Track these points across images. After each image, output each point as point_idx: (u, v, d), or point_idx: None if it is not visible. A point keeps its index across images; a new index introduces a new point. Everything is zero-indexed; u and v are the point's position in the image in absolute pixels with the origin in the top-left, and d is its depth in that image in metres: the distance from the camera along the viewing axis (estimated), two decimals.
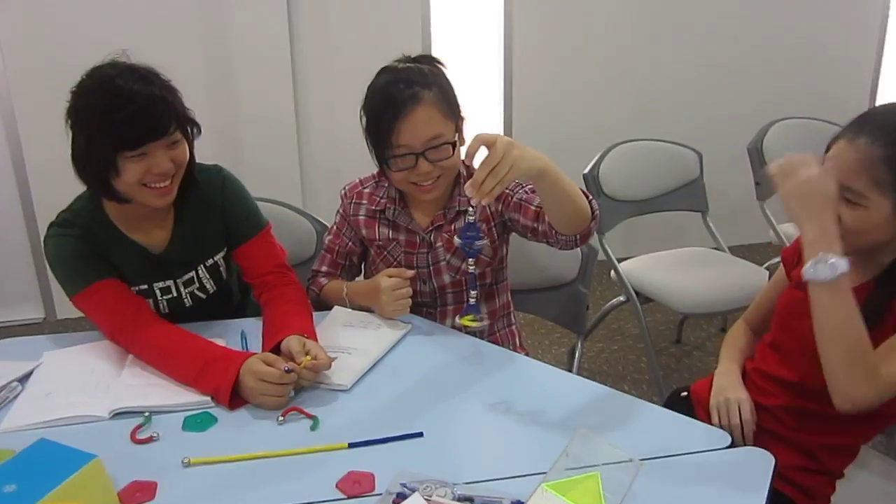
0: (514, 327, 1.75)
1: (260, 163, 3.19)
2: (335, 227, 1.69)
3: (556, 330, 3.10)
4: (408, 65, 1.46)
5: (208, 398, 1.32)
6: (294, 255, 1.87)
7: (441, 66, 1.49)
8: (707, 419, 1.36)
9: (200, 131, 1.44)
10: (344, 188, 1.67)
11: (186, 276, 1.58)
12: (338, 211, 1.68)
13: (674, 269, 2.53)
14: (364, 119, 1.48)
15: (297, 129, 3.22)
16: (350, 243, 1.67)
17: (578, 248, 1.83)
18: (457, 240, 1.28)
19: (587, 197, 1.39)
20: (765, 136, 2.77)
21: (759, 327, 1.51)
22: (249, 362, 1.32)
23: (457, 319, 1.36)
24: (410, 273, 1.56)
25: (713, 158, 2.86)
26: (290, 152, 3.24)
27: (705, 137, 3.19)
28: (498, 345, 1.59)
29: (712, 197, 2.70)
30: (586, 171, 2.49)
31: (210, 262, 1.61)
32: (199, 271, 1.60)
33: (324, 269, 1.70)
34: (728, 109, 3.59)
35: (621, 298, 2.55)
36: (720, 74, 3.56)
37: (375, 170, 1.60)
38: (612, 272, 2.55)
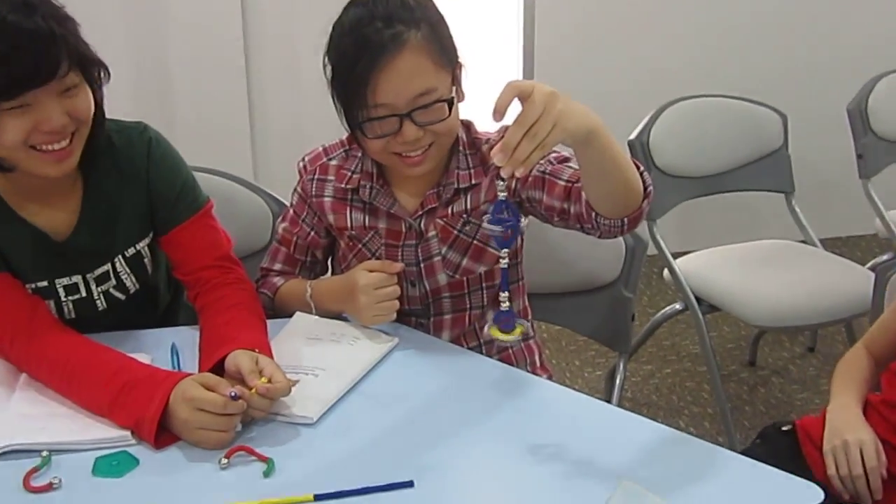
0: (533, 342, 1.78)
1: (198, 121, 3.18)
2: (292, 212, 1.71)
3: (591, 347, 3.11)
4: None
5: (127, 433, 1.32)
6: (242, 244, 1.87)
7: None
8: (820, 462, 1.37)
9: (110, 76, 1.45)
10: (303, 160, 1.69)
11: (99, 271, 1.59)
12: (295, 190, 1.70)
13: (747, 268, 2.55)
14: (329, 69, 1.50)
15: (246, 75, 3.20)
16: (312, 233, 1.70)
17: (622, 239, 1.87)
18: (488, 225, 1.31)
19: (638, 168, 1.41)
20: (870, 94, 2.79)
21: (885, 354, 1.52)
22: (183, 386, 1.33)
23: (486, 331, 1.38)
24: (398, 266, 1.58)
25: (801, 122, 2.88)
26: (238, 107, 3.22)
27: (791, 94, 3.20)
28: (512, 365, 1.61)
29: (800, 173, 2.73)
30: (633, 136, 2.50)
31: (131, 251, 1.62)
32: (116, 264, 1.61)
33: (277, 266, 1.73)
34: (822, 57, 3.59)
35: (677, 307, 2.57)
36: (812, 9, 3.56)
37: (346, 134, 1.63)
38: (666, 271, 2.57)
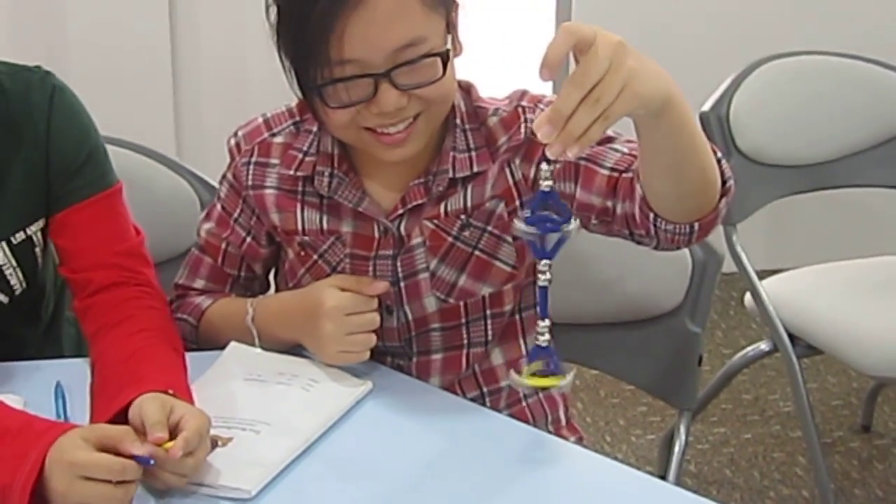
0: (556, 391, 1.79)
1: (101, 77, 3.20)
2: (220, 209, 1.74)
3: (641, 400, 3.11)
4: None
5: None
6: (158, 242, 1.85)
7: None
8: None
9: None
10: (235, 135, 1.72)
11: None
12: (224, 177, 1.74)
13: (862, 294, 2.56)
14: (274, 12, 1.52)
15: (169, 17, 3.24)
16: (248, 239, 1.73)
17: (687, 251, 1.89)
18: (521, 226, 1.31)
19: (714, 154, 1.44)
20: None
21: None
22: (65, 443, 1.32)
23: (512, 375, 1.40)
24: (381, 287, 1.61)
25: None
26: (159, 61, 3.26)
27: None
28: (526, 422, 1.62)
29: None
30: (706, 107, 2.51)
31: (20, 237, 1.63)
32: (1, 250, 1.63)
33: (199, 283, 1.76)
34: None
35: (763, 347, 2.58)
36: None
37: (294, 101, 1.65)
38: (748, 297, 2.57)
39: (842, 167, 2.69)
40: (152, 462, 1.31)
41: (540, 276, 1.34)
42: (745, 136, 2.56)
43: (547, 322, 1.34)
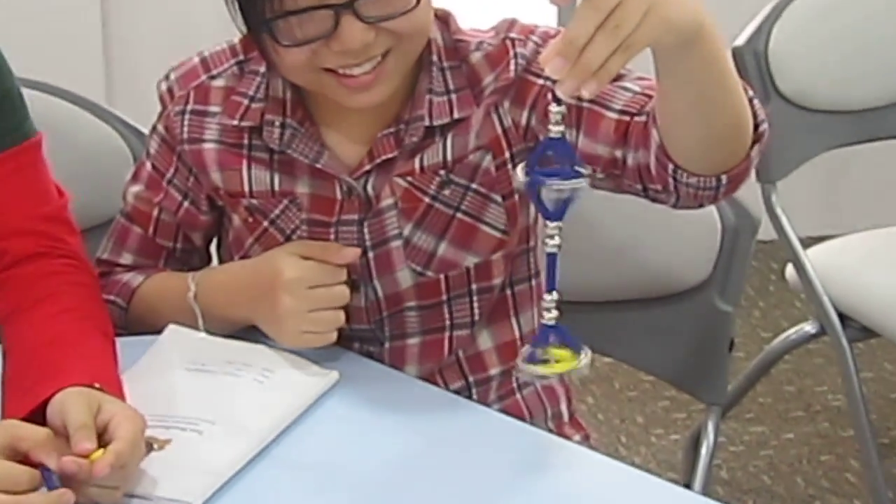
0: (555, 381, 1.80)
1: (17, 11, 3.23)
2: (150, 168, 1.76)
3: (663, 393, 3.13)
4: None
5: None
6: (85, 205, 1.86)
7: None
8: None
9: None
10: (167, 78, 1.74)
11: None
12: (154, 129, 1.75)
13: None
14: None
15: None
16: (185, 203, 1.75)
17: (716, 214, 1.90)
18: (521, 176, 1.29)
19: (745, 92, 1.46)
20: None
21: None
22: None
23: (519, 364, 1.35)
24: (350, 253, 1.64)
25: None
26: None
27: None
28: (522, 419, 1.66)
29: None
30: (740, 42, 2.51)
31: None
32: None
33: (126, 258, 1.78)
34: None
35: (808, 329, 2.59)
36: None
37: (237, 36, 1.68)
38: (790, 269, 2.59)
39: None
40: (58, 485, 1.30)
41: (548, 240, 1.31)
42: (786, 76, 2.57)
43: (555, 296, 1.32)
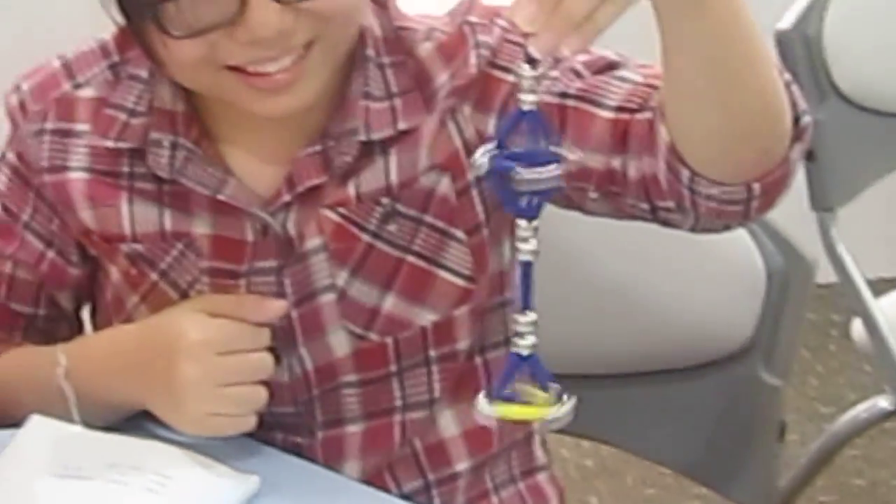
0: (544, 478, 1.71)
1: None
2: None
3: (689, 490, 2.98)
4: None
5: None
6: None
7: None
8: None
9: None
10: (18, 89, 1.64)
11: None
12: (2, 159, 1.66)
13: None
14: None
15: None
16: (49, 253, 1.65)
17: (758, 256, 1.83)
18: (482, 160, 1.20)
19: (781, 76, 1.38)
20: None
21: None
22: None
23: (479, 400, 1.24)
24: (276, 307, 1.53)
25: None
26: None
27: None
28: None
29: None
30: (785, 25, 2.37)
31: None
32: None
33: None
34: None
35: (883, 405, 2.47)
36: None
37: (111, 30, 1.57)
38: (858, 323, 2.45)
39: None
40: None
41: (520, 245, 1.20)
42: (846, 68, 2.42)
43: (531, 317, 1.20)
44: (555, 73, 1.49)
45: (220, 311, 1.50)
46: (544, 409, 1.21)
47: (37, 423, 1.52)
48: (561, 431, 1.56)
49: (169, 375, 1.48)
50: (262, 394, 1.49)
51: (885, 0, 2.53)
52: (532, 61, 1.16)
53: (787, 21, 2.35)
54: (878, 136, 2.47)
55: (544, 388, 1.21)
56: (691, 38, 1.28)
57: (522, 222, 1.20)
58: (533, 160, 1.17)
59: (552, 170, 1.17)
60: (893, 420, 2.53)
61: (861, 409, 2.52)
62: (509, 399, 1.22)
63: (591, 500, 3.07)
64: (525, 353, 1.21)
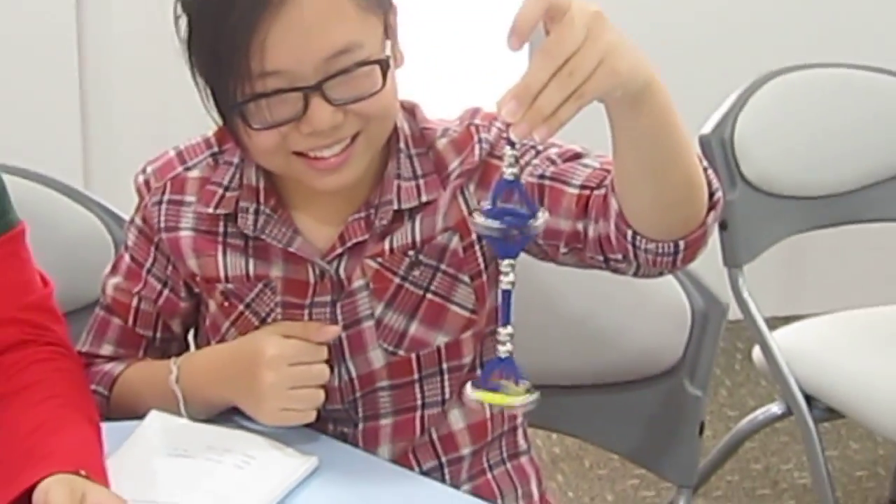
0: (525, 460, 1.82)
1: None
2: (128, 259, 1.76)
3: (633, 472, 3.12)
4: None
5: None
6: (65, 289, 1.83)
7: None
8: None
9: None
10: (143, 171, 1.74)
11: None
12: (132, 222, 1.76)
13: (892, 348, 2.56)
14: (184, 23, 1.55)
15: (77, 33, 3.26)
16: (165, 292, 1.75)
17: (685, 299, 1.92)
18: (483, 221, 1.29)
19: (700, 161, 1.48)
20: None
21: None
22: None
23: (469, 392, 1.35)
24: (331, 332, 1.64)
25: None
26: (63, 80, 3.27)
27: None
28: (492, 499, 1.68)
29: None
30: (707, 130, 2.51)
31: None
32: None
33: (107, 349, 1.77)
34: None
35: (774, 409, 2.60)
36: None
37: (211, 130, 1.69)
38: (757, 350, 2.59)
39: (865, 198, 2.70)
40: None
41: (503, 277, 1.31)
42: (752, 162, 2.57)
43: (509, 329, 1.32)
44: (536, 162, 1.59)
45: (290, 333, 1.62)
46: (514, 397, 1.31)
47: (155, 416, 1.64)
48: (535, 425, 1.85)
49: (253, 381, 1.59)
50: (320, 395, 1.60)
51: (783, 113, 2.63)
52: (512, 143, 1.25)
53: (707, 127, 2.51)
54: (774, 213, 2.60)
55: (517, 384, 1.31)
56: (632, 131, 1.37)
57: (504, 260, 1.31)
58: (510, 219, 1.28)
59: (533, 225, 1.28)
60: (782, 421, 2.62)
61: (759, 413, 2.64)
62: (492, 389, 1.32)
63: (557, 477, 3.14)
64: (503, 356, 1.31)
